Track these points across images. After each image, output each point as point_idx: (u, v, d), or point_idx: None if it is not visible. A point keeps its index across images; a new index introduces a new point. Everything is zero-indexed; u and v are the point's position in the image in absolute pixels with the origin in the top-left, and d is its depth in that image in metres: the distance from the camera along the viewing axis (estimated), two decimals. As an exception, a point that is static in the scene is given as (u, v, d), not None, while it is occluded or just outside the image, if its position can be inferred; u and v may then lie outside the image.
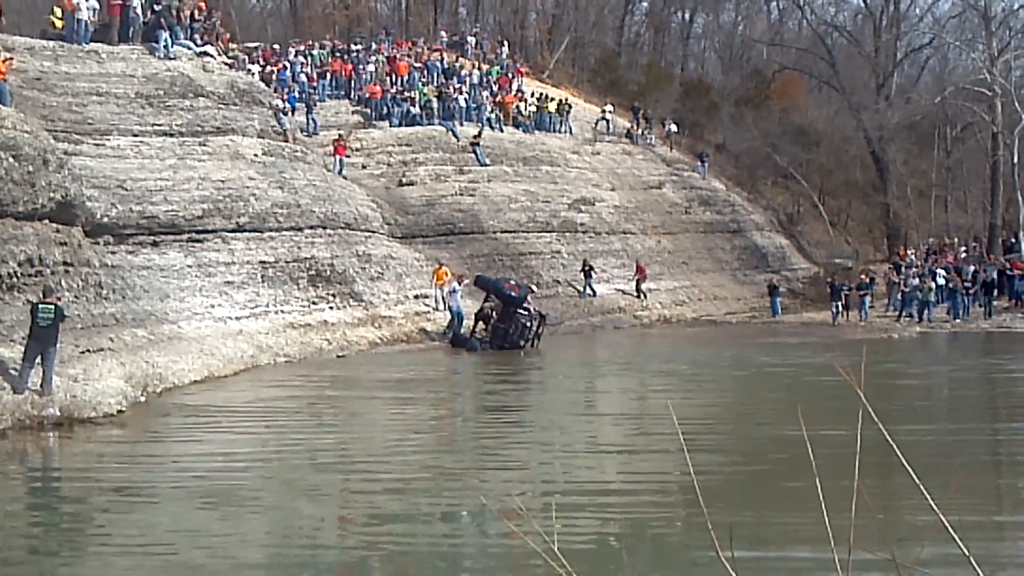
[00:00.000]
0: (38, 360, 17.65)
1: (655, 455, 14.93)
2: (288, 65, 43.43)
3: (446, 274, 33.71)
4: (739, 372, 26.33)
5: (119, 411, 18.65)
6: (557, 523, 9.58)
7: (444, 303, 33.19)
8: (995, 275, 42.15)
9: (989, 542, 10.12)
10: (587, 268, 40.31)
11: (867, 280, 42.79)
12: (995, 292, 41.29)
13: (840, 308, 40.37)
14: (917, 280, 41.31)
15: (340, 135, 38.73)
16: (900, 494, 10.90)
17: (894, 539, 8.13)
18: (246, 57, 40.40)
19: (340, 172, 36.25)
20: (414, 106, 42.63)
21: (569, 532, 10.23)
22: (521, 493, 12.43)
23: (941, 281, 41.40)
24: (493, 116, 45.53)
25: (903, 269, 44.27)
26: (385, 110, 42.65)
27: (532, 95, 50.62)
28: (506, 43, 58.19)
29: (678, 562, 9.97)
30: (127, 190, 26.68)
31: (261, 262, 29.28)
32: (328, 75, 44.32)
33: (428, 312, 33.51)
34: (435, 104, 43.22)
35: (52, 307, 17.80)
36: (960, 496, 10.34)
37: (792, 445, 13.53)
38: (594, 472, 14.10)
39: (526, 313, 31.70)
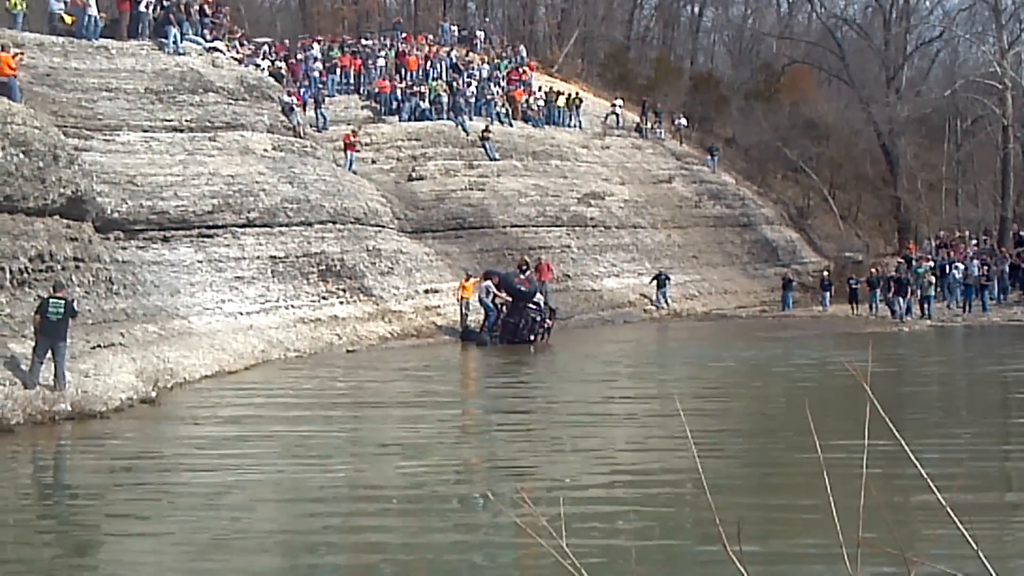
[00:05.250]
0: (48, 355, 17.73)
1: (664, 452, 14.91)
2: (304, 60, 43.55)
3: (468, 288, 32.79)
4: (750, 367, 26.26)
5: (130, 406, 18.73)
6: (566, 521, 9.57)
7: (465, 311, 32.69)
8: (1007, 268, 42.19)
9: (996, 541, 10.09)
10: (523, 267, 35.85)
11: (878, 274, 42.66)
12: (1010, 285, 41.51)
13: (901, 303, 39.07)
14: (905, 273, 41.15)
15: (353, 130, 38.77)
16: (908, 490, 10.88)
17: (902, 534, 8.14)
18: (255, 49, 40.43)
19: (351, 168, 36.25)
20: (423, 101, 42.62)
21: (578, 530, 10.22)
22: (530, 492, 12.43)
23: (959, 275, 41.31)
24: (503, 110, 45.52)
25: (913, 263, 44.22)
26: (395, 105, 42.61)
27: (540, 89, 50.60)
28: (522, 47, 58.15)
29: (687, 559, 9.97)
30: (137, 185, 26.74)
31: (271, 257, 29.32)
32: (337, 70, 44.29)
33: (439, 307, 33.51)
34: (444, 99, 43.20)
35: (62, 302, 17.87)
36: (967, 492, 10.35)
37: (800, 441, 13.52)
38: (603, 470, 14.07)
39: (536, 307, 31.74)
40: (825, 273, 47.09)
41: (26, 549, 10.47)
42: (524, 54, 56.21)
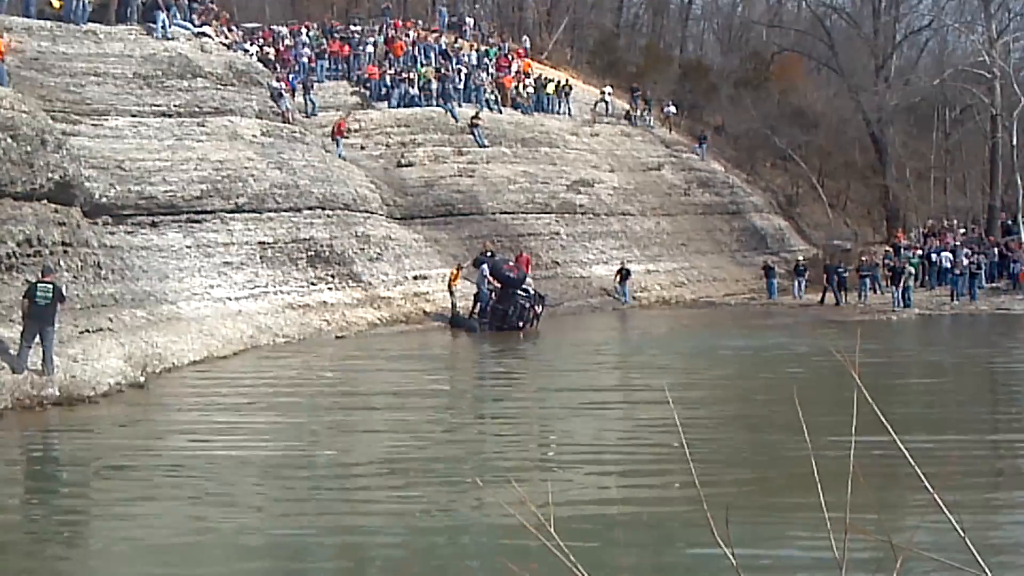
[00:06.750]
0: (36, 340, 17.69)
1: (654, 445, 14.94)
2: (293, 46, 43.50)
3: (458, 278, 32.92)
4: (738, 356, 26.29)
5: (118, 391, 18.71)
6: (554, 501, 9.57)
7: (454, 298, 32.62)
8: (996, 257, 42.39)
9: (985, 529, 10.14)
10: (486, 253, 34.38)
11: (868, 262, 42.66)
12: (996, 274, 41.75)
13: (895, 291, 38.67)
14: (895, 261, 41.16)
15: (342, 117, 38.70)
16: (897, 481, 10.93)
17: (891, 522, 8.17)
18: (243, 35, 40.34)
19: (340, 155, 36.21)
20: (413, 87, 42.54)
21: (568, 521, 10.22)
22: (519, 484, 12.43)
23: (947, 264, 41.47)
24: (492, 97, 45.43)
25: (901, 251, 44.33)
26: (383, 91, 42.54)
27: (529, 76, 50.51)
28: (526, 38, 58.33)
29: (676, 543, 10.00)
30: (125, 170, 26.66)
31: (260, 243, 29.28)
32: (326, 56, 44.20)
33: (427, 293, 33.51)
34: (434, 85, 43.12)
35: (50, 286, 17.82)
36: (955, 480, 10.39)
37: (790, 430, 13.57)
38: (591, 461, 14.08)
39: (525, 294, 31.75)
40: (800, 258, 47.30)
41: (12, 535, 10.46)
42: (528, 45, 56.39)
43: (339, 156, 35.92)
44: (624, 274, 40.82)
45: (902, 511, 10.29)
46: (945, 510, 3.61)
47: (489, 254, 33.71)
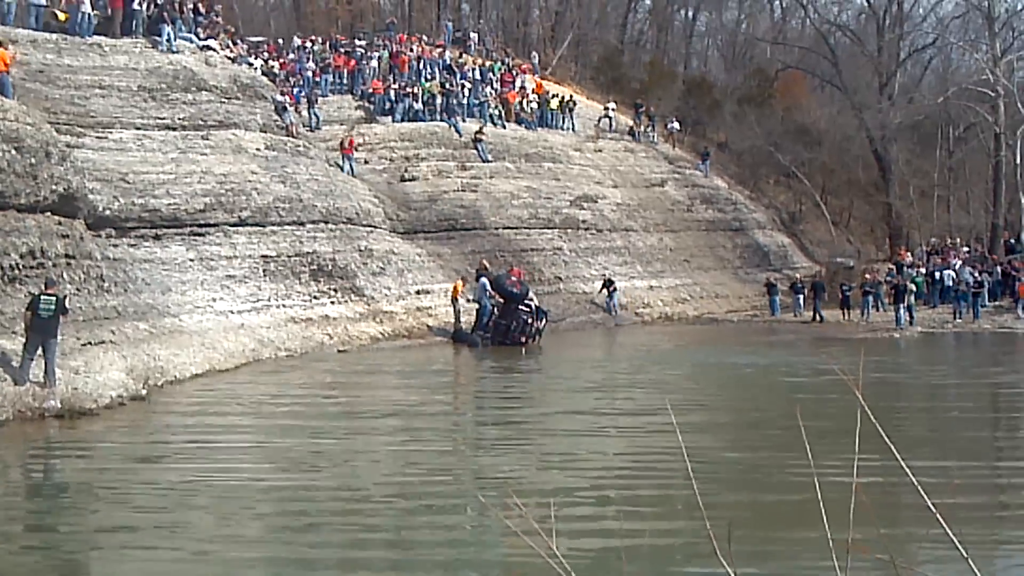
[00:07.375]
0: (39, 352, 17.68)
1: (655, 457, 14.90)
2: (297, 60, 43.61)
3: (459, 290, 32.87)
4: (741, 374, 26.24)
5: (120, 404, 18.68)
6: (556, 525, 9.54)
7: (458, 312, 32.67)
8: (999, 275, 42.41)
9: (987, 550, 10.10)
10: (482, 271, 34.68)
11: (871, 280, 42.64)
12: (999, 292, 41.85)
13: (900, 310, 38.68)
14: (898, 279, 41.20)
15: (346, 132, 38.71)
16: (899, 508, 10.88)
17: (893, 541, 8.14)
18: (248, 48, 40.45)
19: (351, 172, 36.06)
20: (417, 101, 42.60)
21: (568, 537, 10.18)
22: (520, 500, 12.39)
23: (950, 282, 41.51)
24: (496, 112, 45.49)
25: (904, 269, 44.33)
26: (388, 105, 42.60)
27: (533, 92, 50.59)
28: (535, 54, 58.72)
29: (677, 564, 9.96)
30: (129, 183, 26.70)
31: (263, 256, 29.29)
32: (331, 70, 44.30)
33: (430, 308, 33.50)
34: (438, 100, 43.17)
35: (53, 299, 17.83)
36: (958, 517, 10.35)
37: (792, 449, 13.55)
38: (592, 479, 14.02)
39: (527, 309, 31.76)
40: (798, 276, 47.51)
41: (12, 551, 10.42)
42: (536, 61, 56.58)
43: (351, 174, 35.78)
44: (609, 286, 40.21)
45: (904, 535, 10.23)
46: (948, 530, 3.59)
47: (484, 271, 33.67)
